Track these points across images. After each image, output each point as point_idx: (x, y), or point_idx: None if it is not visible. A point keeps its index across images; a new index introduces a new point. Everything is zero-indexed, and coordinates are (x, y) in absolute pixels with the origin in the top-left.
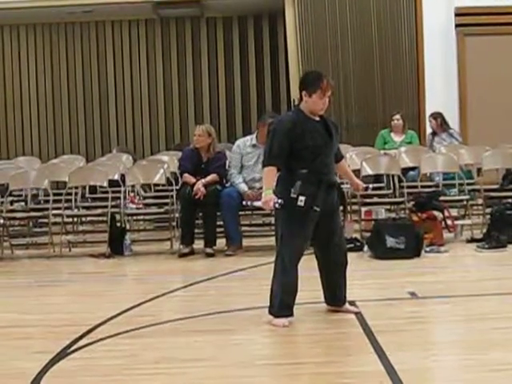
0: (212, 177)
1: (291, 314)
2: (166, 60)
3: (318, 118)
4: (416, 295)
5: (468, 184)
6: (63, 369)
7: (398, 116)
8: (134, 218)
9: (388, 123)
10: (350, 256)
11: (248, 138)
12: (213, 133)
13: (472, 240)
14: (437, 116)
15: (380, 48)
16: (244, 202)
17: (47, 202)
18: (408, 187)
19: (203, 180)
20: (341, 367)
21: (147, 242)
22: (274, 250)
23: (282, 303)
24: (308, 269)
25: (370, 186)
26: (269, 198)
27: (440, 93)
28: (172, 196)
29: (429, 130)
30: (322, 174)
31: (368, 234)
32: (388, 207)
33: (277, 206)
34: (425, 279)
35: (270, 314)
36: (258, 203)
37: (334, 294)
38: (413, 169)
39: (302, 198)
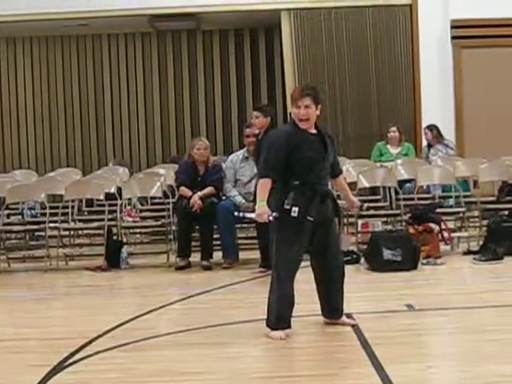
0: (209, 189)
1: (288, 327)
2: (162, 73)
3: (314, 131)
4: (413, 307)
5: (464, 196)
6: (60, 382)
7: (394, 128)
8: (131, 231)
9: (384, 135)
10: (347, 268)
11: (240, 151)
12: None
13: (468, 252)
14: (432, 128)
15: (376, 60)
16: (236, 213)
17: (44, 215)
18: (404, 199)
19: (200, 193)
20: (338, 380)
21: (144, 255)
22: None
23: (279, 316)
24: (305, 281)
25: (365, 205)
26: (263, 211)
27: (436, 105)
28: (168, 209)
29: (425, 143)
30: (316, 185)
31: (365, 247)
32: (384, 219)
33: (271, 218)
34: (422, 291)
35: (267, 326)
36: (251, 215)
37: (331, 307)
38: (409, 181)
39: (295, 208)
